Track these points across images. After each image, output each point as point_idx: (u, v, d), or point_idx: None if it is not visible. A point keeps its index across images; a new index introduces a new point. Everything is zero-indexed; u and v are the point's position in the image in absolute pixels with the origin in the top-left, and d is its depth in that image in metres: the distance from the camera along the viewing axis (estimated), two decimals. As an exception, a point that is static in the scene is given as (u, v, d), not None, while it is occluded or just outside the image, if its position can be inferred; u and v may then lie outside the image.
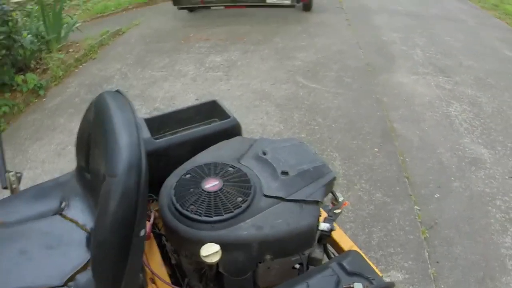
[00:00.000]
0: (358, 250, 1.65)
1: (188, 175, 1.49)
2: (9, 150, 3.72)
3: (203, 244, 1.25)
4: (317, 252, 1.49)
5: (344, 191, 3.06)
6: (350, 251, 1.37)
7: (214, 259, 1.23)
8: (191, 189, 1.40)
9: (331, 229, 1.41)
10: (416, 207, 2.91)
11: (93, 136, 1.43)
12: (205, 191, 1.38)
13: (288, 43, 6.04)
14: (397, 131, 3.84)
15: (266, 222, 1.30)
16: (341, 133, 3.82)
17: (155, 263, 1.58)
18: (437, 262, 2.51)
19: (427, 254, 2.55)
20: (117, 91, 1.33)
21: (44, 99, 4.62)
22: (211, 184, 1.41)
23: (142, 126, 1.86)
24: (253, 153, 1.60)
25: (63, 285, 1.25)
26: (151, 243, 1.66)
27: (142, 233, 1.05)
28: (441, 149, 3.58)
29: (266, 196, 1.38)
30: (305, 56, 5.57)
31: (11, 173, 1.80)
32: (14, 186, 1.80)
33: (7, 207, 1.57)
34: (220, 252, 1.24)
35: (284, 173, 1.44)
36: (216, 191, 1.38)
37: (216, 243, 1.25)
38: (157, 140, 1.82)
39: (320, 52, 5.71)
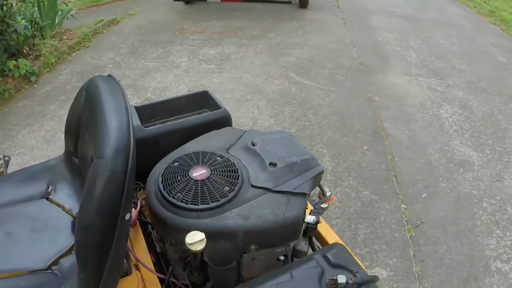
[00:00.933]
0: (343, 244, 1.66)
1: (176, 163, 1.48)
2: (-2, 135, 3.70)
3: (188, 232, 1.25)
4: (302, 245, 1.49)
5: (332, 187, 3.08)
6: (335, 244, 1.37)
7: (199, 247, 1.23)
8: (179, 177, 1.40)
9: (317, 222, 1.41)
10: (403, 205, 2.93)
11: (83, 120, 1.42)
12: (192, 179, 1.38)
13: (283, 39, 6.04)
14: (388, 131, 3.86)
15: (252, 212, 1.30)
16: (332, 130, 3.83)
17: (140, 250, 1.57)
18: (422, 261, 2.52)
19: (412, 252, 2.57)
20: (109, 75, 1.32)
21: (36, 86, 4.58)
22: (199, 172, 1.41)
23: (132, 113, 1.85)
24: (242, 144, 1.59)
25: (46, 269, 1.25)
26: (136, 230, 1.65)
27: (127, 217, 1.04)
28: (430, 150, 3.61)
29: (253, 186, 1.38)
30: (299, 53, 5.57)
31: None
32: (1, 169, 1.80)
33: None
34: (205, 240, 1.23)
35: (272, 164, 1.44)
36: (203, 180, 1.37)
37: (202, 231, 1.24)
38: (147, 128, 1.81)
39: (314, 49, 5.72)
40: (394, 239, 2.65)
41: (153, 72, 4.94)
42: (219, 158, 1.49)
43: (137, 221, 1.67)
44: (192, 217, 1.29)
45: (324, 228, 1.75)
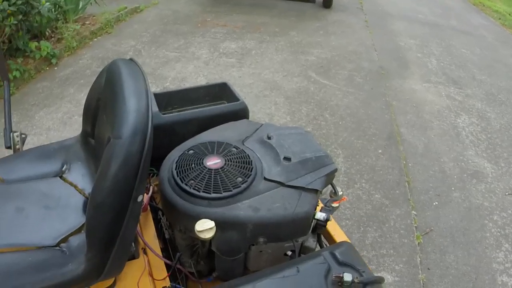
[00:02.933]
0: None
1: (191, 151, 1.49)
2: (15, 114, 3.73)
3: (198, 219, 1.26)
4: (311, 241, 1.49)
5: (344, 188, 3.07)
6: (343, 242, 1.37)
7: (208, 235, 1.24)
8: (193, 165, 1.41)
9: (327, 219, 1.40)
10: (413, 212, 2.91)
11: (102, 101, 1.44)
12: (206, 167, 1.39)
13: (304, 38, 6.03)
14: (403, 136, 3.83)
15: (263, 204, 1.31)
16: (347, 132, 3.82)
17: (149, 235, 1.59)
18: (428, 269, 2.51)
19: (419, 259, 2.56)
20: (131, 59, 1.33)
21: (56, 68, 4.62)
22: (213, 162, 1.41)
23: (151, 99, 1.87)
24: (258, 137, 1.60)
25: (55, 246, 1.25)
26: (147, 215, 1.67)
27: (139, 198, 1.05)
28: (444, 158, 3.58)
29: (266, 179, 1.38)
30: (319, 52, 5.56)
31: (16, 133, 1.82)
32: (17, 146, 1.82)
33: (9, 165, 1.58)
34: (214, 229, 1.24)
35: (287, 159, 1.44)
36: (217, 169, 1.38)
37: (212, 220, 1.25)
38: (164, 115, 1.83)
39: (335, 50, 5.69)
40: (402, 244, 2.63)
41: (173, 62, 4.95)
42: (234, 149, 1.49)
43: (148, 206, 1.69)
44: (203, 205, 1.30)
45: (333, 227, 1.75)
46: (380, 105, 4.35)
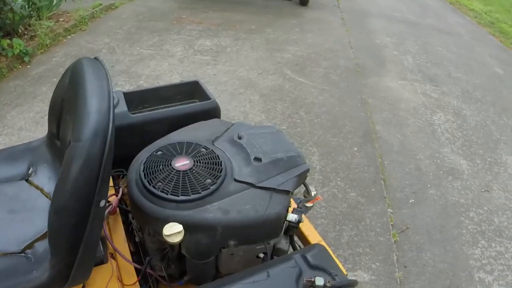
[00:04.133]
0: (325, 245, 1.63)
1: (159, 152, 1.45)
2: (-13, 115, 3.64)
3: (167, 222, 1.22)
4: (283, 243, 1.46)
5: (319, 186, 3.05)
6: (315, 245, 1.34)
7: (176, 239, 1.20)
8: (161, 166, 1.37)
9: (299, 221, 1.37)
10: (389, 210, 2.92)
11: (66, 101, 1.39)
12: (174, 169, 1.35)
13: (280, 35, 6.00)
14: (379, 133, 3.84)
15: (233, 206, 1.27)
16: (323, 129, 3.81)
17: (118, 239, 1.54)
18: (405, 267, 2.51)
19: (396, 257, 2.56)
20: (96, 58, 1.28)
21: (29, 66, 4.50)
22: (182, 163, 1.37)
23: (120, 99, 1.82)
24: (228, 136, 1.56)
25: (20, 252, 1.22)
26: (116, 218, 1.62)
27: (102, 203, 1.00)
28: (420, 155, 3.60)
29: (236, 180, 1.35)
30: (295, 50, 5.54)
31: None
32: None
33: None
34: (182, 233, 1.20)
35: (257, 159, 1.41)
36: (185, 171, 1.34)
37: (180, 223, 1.22)
38: (133, 115, 1.78)
39: (311, 47, 5.68)
40: (378, 243, 2.63)
41: (148, 59, 4.88)
42: (203, 149, 1.45)
43: (118, 208, 1.64)
44: (172, 208, 1.26)
45: (307, 228, 1.73)
46: (355, 102, 4.35)
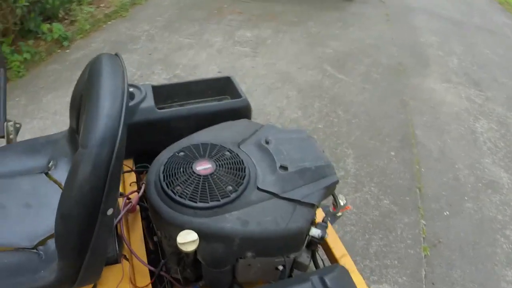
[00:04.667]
0: (349, 260, 1.55)
1: (181, 153, 1.40)
2: (23, 97, 3.69)
3: (182, 229, 1.17)
4: (304, 257, 1.38)
5: (351, 191, 2.95)
6: (336, 266, 1.25)
7: (190, 248, 1.15)
8: (181, 169, 1.31)
9: (322, 237, 1.29)
10: (422, 221, 2.78)
11: (84, 98, 1.35)
12: (195, 173, 1.29)
13: (322, 29, 5.86)
14: (418, 138, 3.68)
15: (253, 217, 1.20)
16: (360, 130, 3.69)
17: (136, 238, 1.51)
18: (433, 284, 2.39)
19: (424, 273, 2.43)
20: (116, 54, 1.23)
21: (67, 51, 4.56)
22: (203, 166, 1.31)
23: (147, 93, 1.78)
24: (256, 140, 1.49)
25: (32, 248, 1.20)
26: (135, 216, 1.59)
27: (109, 212, 0.96)
28: (459, 164, 3.42)
29: (259, 189, 1.28)
30: (337, 45, 5.39)
31: (10, 123, 1.79)
32: (11, 136, 1.79)
33: None
34: (197, 242, 1.15)
35: (283, 167, 1.33)
36: (206, 175, 1.28)
37: (196, 231, 1.17)
38: (160, 110, 1.74)
39: (353, 43, 5.52)
40: (407, 255, 2.51)
41: (186, 48, 4.85)
42: (228, 153, 1.39)
43: (138, 206, 1.60)
44: (188, 214, 1.20)
45: (332, 239, 1.64)
46: (396, 103, 4.19)
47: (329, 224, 1.70)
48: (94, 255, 1.02)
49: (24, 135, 3.23)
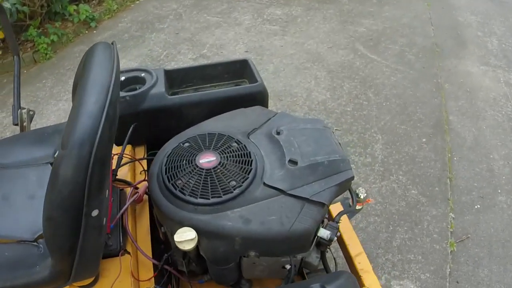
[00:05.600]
0: (365, 260, 1.46)
1: (186, 144, 1.33)
2: (50, 79, 3.71)
3: (181, 226, 1.11)
4: (313, 257, 1.30)
5: (377, 179, 2.83)
6: (343, 273, 1.16)
7: (188, 246, 1.10)
8: (184, 161, 1.24)
9: (331, 239, 1.20)
10: (451, 214, 2.64)
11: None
12: (197, 166, 1.22)
13: (355, 6, 5.64)
14: (452, 124, 3.49)
15: (256, 216, 1.13)
16: (391, 114, 3.53)
17: (142, 229, 1.48)
18: (457, 282, 2.27)
19: (449, 270, 2.31)
20: (112, 43, 1.17)
21: (95, 31, 4.57)
22: (207, 159, 1.24)
23: (159, 78, 1.72)
24: (267, 129, 1.40)
25: (32, 241, 1.21)
26: (143, 206, 1.56)
27: (94, 213, 0.92)
28: (495, 154, 3.21)
29: (265, 184, 1.19)
30: (370, 24, 5.18)
31: (24, 110, 1.81)
32: (24, 123, 1.81)
33: (6, 148, 1.57)
34: (195, 240, 1.10)
35: (293, 161, 1.24)
36: (209, 169, 1.21)
37: (196, 228, 1.11)
38: (171, 97, 1.68)
39: (387, 21, 5.29)
40: (432, 251, 2.39)
41: (214, 27, 4.77)
42: (235, 144, 1.31)
43: (146, 195, 1.56)
44: (189, 210, 1.14)
45: (348, 236, 1.56)
46: (430, 87, 3.99)
47: (346, 220, 1.62)
48: (84, 254, 0.99)
49: (49, 117, 3.30)
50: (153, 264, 1.37)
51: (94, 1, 4.94)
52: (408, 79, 4.08)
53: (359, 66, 4.24)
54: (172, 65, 4.04)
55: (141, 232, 1.46)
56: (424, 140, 3.26)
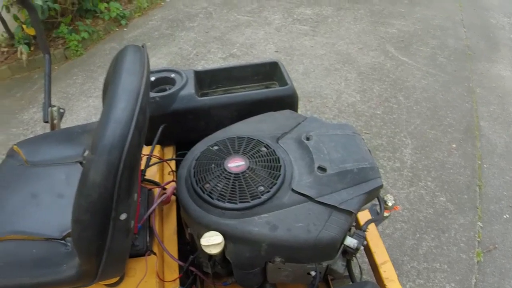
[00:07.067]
0: (391, 269, 1.45)
1: (215, 147, 1.34)
2: (80, 76, 3.77)
3: (208, 229, 1.12)
4: (339, 265, 1.29)
5: (406, 185, 2.79)
6: (367, 283, 1.15)
7: (214, 250, 1.11)
8: (213, 165, 1.25)
9: (357, 248, 1.19)
10: (479, 223, 2.58)
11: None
12: (226, 170, 1.22)
13: (386, 7, 5.58)
14: (482, 130, 3.42)
15: (283, 222, 1.13)
16: (421, 119, 3.48)
17: (169, 231, 1.49)
18: (483, 293, 2.23)
19: (475, 281, 2.26)
20: (143, 46, 1.18)
21: (125, 29, 4.62)
22: (236, 163, 1.25)
23: (189, 79, 1.74)
24: (297, 134, 1.40)
25: (60, 239, 1.23)
26: (170, 207, 1.57)
27: (122, 217, 0.93)
28: (526, 162, 3.14)
29: (293, 191, 1.19)
30: (401, 25, 5.12)
31: (54, 108, 1.84)
32: (55, 121, 1.84)
33: (35, 146, 1.59)
34: (222, 245, 1.11)
35: (322, 168, 1.23)
36: (237, 173, 1.21)
37: (223, 232, 1.12)
38: (200, 98, 1.69)
39: (419, 23, 5.21)
40: (459, 260, 2.34)
41: (244, 26, 4.78)
42: (264, 148, 1.31)
43: (173, 196, 1.57)
44: (216, 214, 1.15)
45: (375, 243, 1.55)
46: (461, 91, 3.91)
47: (373, 227, 1.61)
48: (111, 255, 1.00)
49: (79, 113, 3.36)
50: (179, 265, 1.38)
51: (125, -1, 5.03)
52: (439, 82, 4.01)
53: (390, 68, 4.19)
54: (202, 64, 4.08)
55: (168, 233, 1.48)
56: (454, 145, 3.20)
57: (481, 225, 2.58)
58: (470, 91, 3.92)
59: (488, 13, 5.80)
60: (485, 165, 3.05)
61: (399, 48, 4.58)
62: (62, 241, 1.22)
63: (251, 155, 1.28)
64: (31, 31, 3.91)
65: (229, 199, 1.16)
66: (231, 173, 1.21)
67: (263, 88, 1.89)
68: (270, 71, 1.92)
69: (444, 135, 3.31)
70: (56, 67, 4.08)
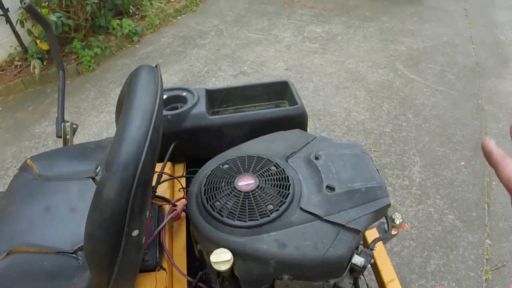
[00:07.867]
0: (398, 286, 1.46)
1: (226, 165, 1.37)
2: (92, 91, 3.84)
3: (218, 246, 1.14)
4: (346, 283, 1.31)
5: (414, 203, 2.80)
6: None
7: (223, 267, 1.13)
8: (223, 183, 1.28)
9: (364, 267, 1.21)
10: (487, 241, 2.58)
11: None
12: (236, 189, 1.25)
13: (395, 25, 5.62)
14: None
15: (292, 240, 1.15)
16: (430, 136, 3.49)
17: (178, 246, 1.51)
18: (491, 311, 2.22)
19: (483, 298, 2.27)
20: (156, 66, 1.22)
21: (137, 46, 4.70)
22: (246, 182, 1.27)
23: (200, 98, 1.78)
24: (306, 153, 1.42)
25: (72, 252, 1.25)
26: (180, 223, 1.59)
27: (135, 233, 0.96)
28: (536, 180, 3.12)
29: (302, 209, 1.21)
30: (411, 42, 5.15)
31: (67, 123, 1.88)
32: (68, 136, 1.88)
33: (49, 160, 1.61)
34: (231, 262, 1.13)
35: (330, 188, 1.25)
36: (247, 192, 1.24)
37: (232, 249, 1.14)
38: (212, 117, 1.73)
39: (428, 40, 5.24)
40: (467, 278, 2.34)
41: (254, 44, 4.84)
42: (274, 167, 1.34)
43: (183, 213, 1.60)
44: (226, 231, 1.17)
45: (382, 261, 1.56)
46: (470, 108, 3.93)
47: (381, 244, 1.62)
48: (123, 270, 1.03)
49: (91, 128, 3.41)
50: (188, 281, 1.40)
51: (137, 16, 5.10)
52: (448, 100, 4.03)
53: (399, 86, 4.21)
54: (212, 81, 4.13)
55: (177, 249, 1.50)
56: (463, 163, 3.21)
57: (490, 243, 2.57)
58: (479, 108, 3.93)
59: (497, 29, 5.81)
60: (494, 183, 3.04)
61: (408, 66, 4.61)
62: (74, 255, 1.24)
63: (261, 173, 1.31)
64: (44, 46, 4.00)
65: (238, 217, 1.18)
66: (241, 192, 1.24)
67: (274, 107, 1.93)
68: (280, 90, 1.95)
69: (453, 152, 3.32)
70: (68, 82, 4.16)
